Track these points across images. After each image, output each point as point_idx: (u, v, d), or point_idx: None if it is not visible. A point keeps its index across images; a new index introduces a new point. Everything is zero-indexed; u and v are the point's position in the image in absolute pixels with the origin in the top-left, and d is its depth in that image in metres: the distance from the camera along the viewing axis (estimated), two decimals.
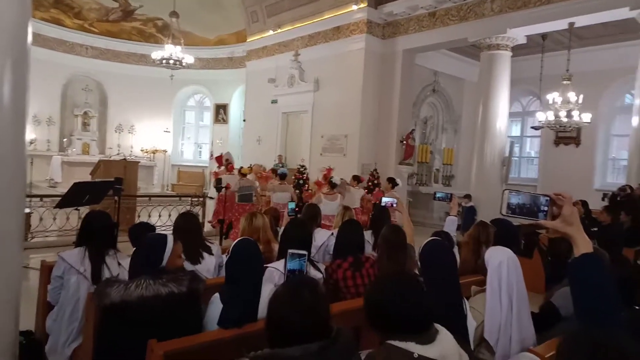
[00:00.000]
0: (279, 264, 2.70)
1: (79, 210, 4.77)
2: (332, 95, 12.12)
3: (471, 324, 2.09)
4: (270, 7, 13.78)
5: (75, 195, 4.42)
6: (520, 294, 2.16)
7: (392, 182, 8.11)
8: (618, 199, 7.14)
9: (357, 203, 8.25)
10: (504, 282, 2.16)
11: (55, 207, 5.26)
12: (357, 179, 8.47)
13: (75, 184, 4.47)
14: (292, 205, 4.37)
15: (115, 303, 1.97)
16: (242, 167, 8.99)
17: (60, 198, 7.32)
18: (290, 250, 2.28)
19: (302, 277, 2.10)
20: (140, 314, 2.00)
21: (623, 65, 11.32)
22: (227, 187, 7.34)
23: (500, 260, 2.20)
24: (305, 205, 4.31)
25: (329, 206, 7.04)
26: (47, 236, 7.36)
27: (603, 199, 7.60)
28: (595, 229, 5.37)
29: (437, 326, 1.40)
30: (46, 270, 3.24)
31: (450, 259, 2.14)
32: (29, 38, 2.61)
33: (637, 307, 2.45)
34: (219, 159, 10.13)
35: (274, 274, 2.65)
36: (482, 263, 2.37)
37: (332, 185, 7.59)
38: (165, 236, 2.31)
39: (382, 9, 11.37)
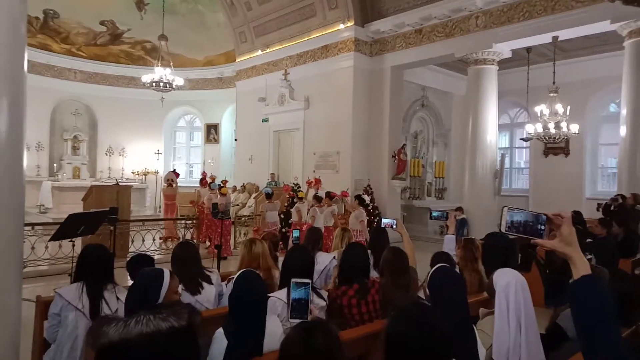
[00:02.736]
0: (281, 294, 2.66)
1: (73, 240, 4.69)
2: (322, 112, 12.19)
3: (481, 352, 2.07)
4: (258, 28, 13.91)
5: (70, 227, 4.36)
6: (528, 316, 2.14)
7: (358, 199, 8.26)
8: (611, 209, 7.18)
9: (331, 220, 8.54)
10: (512, 303, 2.15)
11: (50, 240, 5.18)
12: (328, 195, 8.62)
13: (70, 215, 4.41)
14: (296, 233, 4.37)
15: (113, 342, 1.90)
16: (221, 187, 9.39)
17: (51, 225, 7.24)
18: (294, 280, 2.25)
19: (314, 320, 2.06)
20: (140, 353, 1.93)
21: (605, 75, 11.61)
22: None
23: (508, 281, 2.19)
24: (307, 230, 4.29)
25: (321, 217, 7.90)
26: (38, 265, 7.23)
27: (598, 210, 7.63)
28: (590, 240, 5.38)
29: None
30: (42, 306, 3.17)
31: (461, 286, 2.13)
32: (25, 67, 2.62)
33: None
34: (204, 182, 10.67)
35: (277, 303, 2.61)
36: (489, 283, 2.36)
37: (319, 199, 8.27)
38: (161, 271, 2.25)
39: (369, 27, 11.51)
